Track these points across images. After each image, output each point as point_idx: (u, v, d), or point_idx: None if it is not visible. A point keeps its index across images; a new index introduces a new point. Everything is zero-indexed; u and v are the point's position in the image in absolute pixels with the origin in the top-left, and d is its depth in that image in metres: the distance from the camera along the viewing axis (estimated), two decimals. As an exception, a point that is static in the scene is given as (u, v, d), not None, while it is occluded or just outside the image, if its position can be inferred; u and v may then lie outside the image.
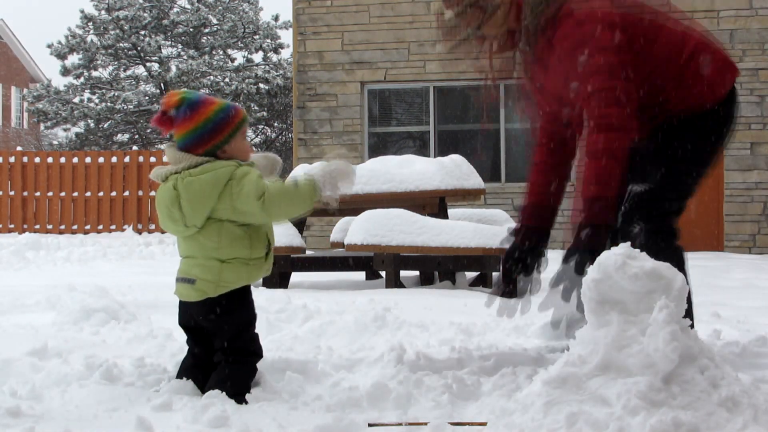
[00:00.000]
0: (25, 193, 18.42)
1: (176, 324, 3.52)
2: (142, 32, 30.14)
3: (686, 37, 3.66)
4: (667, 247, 3.57)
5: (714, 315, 5.38)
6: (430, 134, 14.34)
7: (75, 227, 18.19)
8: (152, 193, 17.77)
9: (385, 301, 5.74)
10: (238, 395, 3.25)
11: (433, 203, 7.93)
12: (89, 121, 30.03)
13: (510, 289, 3.84)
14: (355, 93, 14.31)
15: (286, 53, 30.98)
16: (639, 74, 3.55)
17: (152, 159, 18.18)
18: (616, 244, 3.42)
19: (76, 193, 18.30)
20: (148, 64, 30.91)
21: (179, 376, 3.41)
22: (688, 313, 2.83)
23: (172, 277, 3.47)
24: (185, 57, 30.56)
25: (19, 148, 21.52)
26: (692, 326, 2.89)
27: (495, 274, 7.75)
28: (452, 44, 3.71)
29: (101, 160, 18.33)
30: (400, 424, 2.97)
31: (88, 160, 18.37)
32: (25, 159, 18.56)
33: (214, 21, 31.39)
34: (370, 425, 2.97)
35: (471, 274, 7.97)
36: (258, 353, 3.43)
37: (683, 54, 3.61)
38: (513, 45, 3.70)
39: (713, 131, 3.69)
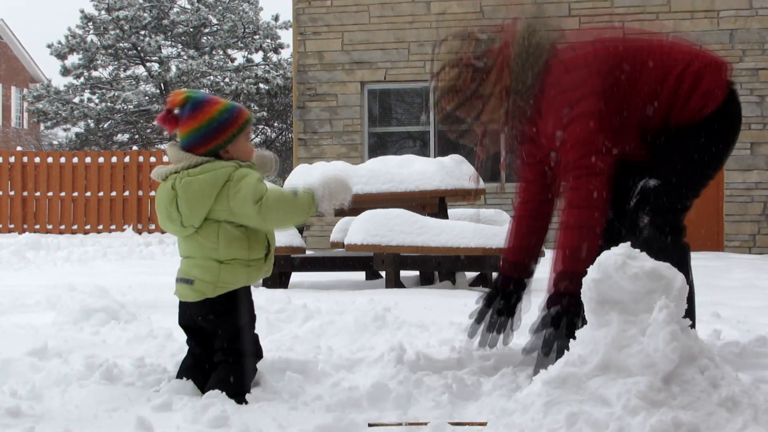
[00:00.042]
0: (25, 193, 18.42)
1: (176, 324, 3.52)
2: (142, 32, 30.14)
3: (670, 57, 3.70)
4: (672, 242, 3.59)
5: (714, 315, 5.38)
6: (430, 134, 14.34)
7: (75, 227, 18.18)
8: (152, 193, 17.76)
9: (385, 301, 5.74)
10: (238, 395, 3.25)
11: (433, 203, 7.93)
12: (89, 121, 30.04)
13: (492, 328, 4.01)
14: (355, 93, 14.32)
15: (286, 53, 31.02)
16: (631, 109, 3.64)
17: (152, 159, 18.18)
18: (621, 238, 3.49)
19: (76, 193, 18.30)
20: (148, 64, 30.91)
21: (179, 376, 3.41)
22: (690, 313, 2.84)
23: (172, 277, 3.47)
24: (185, 57, 30.56)
25: (19, 148, 21.52)
26: (693, 326, 2.89)
27: (495, 275, 7.75)
28: (456, 134, 3.80)
29: (101, 160, 18.33)
30: (400, 424, 2.97)
31: (88, 160, 18.37)
32: (25, 159, 18.56)
33: (214, 21, 31.39)
34: (370, 425, 2.97)
35: (471, 274, 7.97)
36: (258, 354, 3.43)
37: (672, 75, 3.66)
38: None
39: (720, 131, 3.71)
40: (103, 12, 30.27)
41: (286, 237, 7.41)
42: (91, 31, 30.21)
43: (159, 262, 11.17)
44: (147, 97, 30.11)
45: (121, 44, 29.94)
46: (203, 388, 3.32)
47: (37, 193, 18.42)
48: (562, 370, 2.76)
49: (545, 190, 3.93)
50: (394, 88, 14.48)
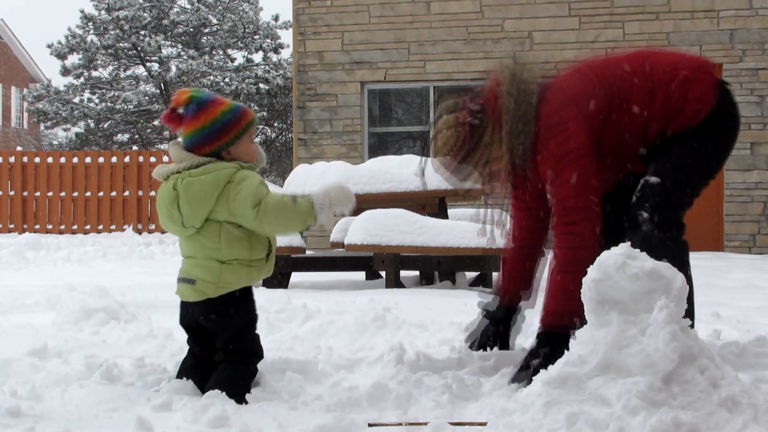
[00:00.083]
0: (25, 193, 18.42)
1: (176, 324, 3.52)
2: (142, 32, 30.13)
3: (654, 74, 3.72)
4: (671, 239, 3.60)
5: (714, 315, 5.38)
6: (430, 134, 14.34)
7: (75, 227, 18.18)
8: (152, 193, 17.76)
9: (385, 301, 5.74)
10: (238, 395, 3.25)
11: (433, 203, 7.93)
12: (89, 121, 30.03)
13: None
14: (355, 93, 14.31)
15: (286, 53, 31.00)
16: (628, 132, 3.68)
17: (152, 159, 18.17)
18: (622, 237, 3.51)
19: (76, 193, 18.29)
20: (148, 64, 30.91)
21: (179, 376, 3.41)
22: (689, 312, 2.84)
23: (172, 277, 3.47)
24: (185, 57, 30.55)
25: (19, 148, 21.51)
26: (692, 325, 2.89)
27: (495, 274, 7.76)
28: (461, 179, 3.86)
29: (101, 160, 18.33)
30: (400, 424, 2.97)
31: (88, 160, 18.37)
32: (25, 159, 18.56)
33: (214, 21, 31.39)
34: (370, 425, 2.97)
35: (471, 274, 7.97)
36: (258, 354, 3.43)
37: (660, 91, 3.69)
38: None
39: (718, 131, 3.72)
40: (103, 12, 30.26)
41: (286, 237, 7.41)
42: (91, 31, 30.20)
43: (159, 262, 11.17)
44: (147, 97, 30.11)
45: (121, 44, 29.92)
46: (203, 388, 3.32)
47: (37, 193, 18.42)
48: (562, 370, 2.76)
49: (539, 219, 3.97)
50: (394, 88, 14.47)
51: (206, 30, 31.52)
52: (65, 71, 30.16)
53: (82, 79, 30.50)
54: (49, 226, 18.20)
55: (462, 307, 5.67)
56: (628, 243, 2.93)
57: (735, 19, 13.19)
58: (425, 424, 2.93)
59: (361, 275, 8.44)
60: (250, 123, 3.41)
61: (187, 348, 3.53)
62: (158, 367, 3.61)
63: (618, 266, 2.79)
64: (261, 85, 28.87)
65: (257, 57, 31.33)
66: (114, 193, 18.20)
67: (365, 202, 7.63)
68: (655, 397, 2.61)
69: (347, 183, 3.50)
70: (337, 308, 5.51)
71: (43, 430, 2.86)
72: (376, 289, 7.12)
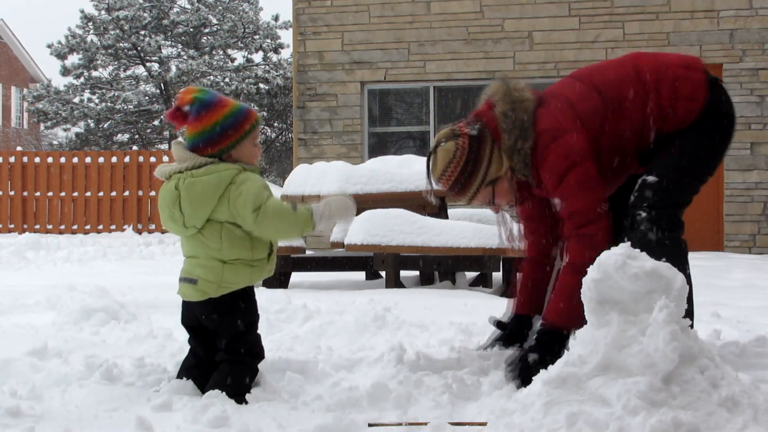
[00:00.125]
0: (25, 193, 18.42)
1: (176, 324, 3.52)
2: (142, 32, 30.12)
3: (641, 78, 3.73)
4: (669, 238, 3.61)
5: (714, 315, 5.38)
6: (430, 134, 14.33)
7: (75, 227, 18.18)
8: (152, 193, 17.76)
9: (385, 301, 5.74)
10: (238, 395, 3.25)
11: (433, 204, 7.93)
12: (89, 121, 30.02)
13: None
14: (355, 93, 14.31)
15: (286, 53, 31.01)
16: (625, 139, 3.69)
17: (152, 159, 18.17)
18: (622, 237, 3.51)
19: (76, 193, 18.29)
20: (148, 64, 30.91)
21: (180, 375, 3.41)
22: (689, 311, 2.84)
23: (172, 277, 3.48)
24: (185, 57, 30.55)
25: (19, 148, 21.51)
26: (692, 325, 2.89)
27: (495, 275, 7.76)
28: (466, 199, 3.84)
29: (101, 160, 18.32)
30: (400, 424, 2.97)
31: (88, 160, 18.36)
32: (25, 159, 18.56)
33: (214, 21, 31.38)
34: (370, 425, 2.97)
35: (471, 274, 7.97)
36: (260, 354, 3.43)
37: (650, 95, 3.69)
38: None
39: (713, 126, 3.73)
40: (103, 12, 30.26)
41: (286, 237, 7.41)
42: (91, 31, 30.20)
43: (159, 262, 11.17)
44: (147, 97, 30.10)
45: (121, 44, 29.92)
46: (203, 388, 3.32)
47: (37, 193, 18.42)
48: (562, 370, 2.76)
49: (549, 232, 3.94)
50: (394, 88, 14.47)
51: (206, 30, 31.52)
52: (65, 71, 30.15)
53: (82, 79, 30.50)
54: (49, 226, 18.20)
55: (462, 307, 5.67)
56: (628, 243, 2.94)
57: (735, 19, 13.19)
58: (425, 424, 2.93)
59: (361, 275, 8.44)
60: (253, 126, 3.40)
61: (187, 348, 3.53)
62: (158, 367, 3.61)
63: (618, 266, 2.79)
64: (261, 85, 28.87)
65: (257, 57, 31.34)
66: (114, 193, 18.19)
67: (365, 202, 7.63)
68: (655, 397, 2.61)
69: (349, 196, 3.48)
70: (337, 308, 5.51)
71: (43, 430, 2.86)
72: (376, 289, 7.11)
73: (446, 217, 7.96)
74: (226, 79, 28.73)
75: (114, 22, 29.43)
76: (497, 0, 13.78)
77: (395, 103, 14.83)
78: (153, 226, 17.83)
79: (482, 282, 7.75)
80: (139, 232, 17.84)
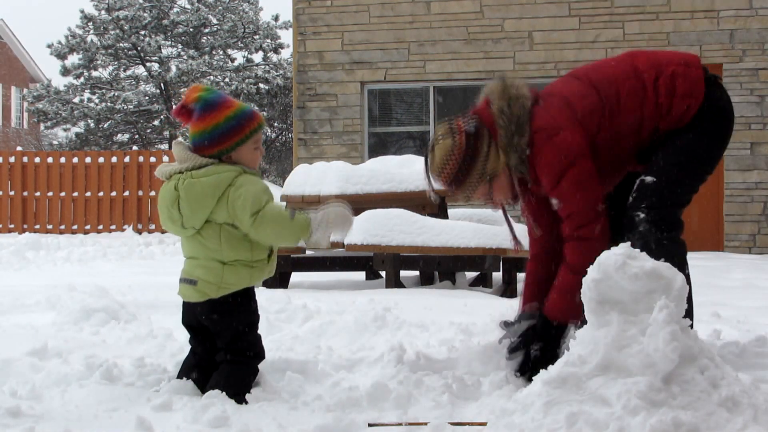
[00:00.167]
0: (25, 193, 18.41)
1: (176, 324, 3.52)
2: (142, 32, 30.12)
3: (639, 77, 3.72)
4: (668, 238, 3.60)
5: (714, 315, 5.38)
6: (430, 134, 14.33)
7: (75, 227, 18.17)
8: (152, 193, 17.76)
9: (385, 301, 5.74)
10: (239, 395, 3.25)
11: (433, 203, 7.93)
12: (89, 121, 30.02)
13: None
14: (355, 93, 14.31)
15: (286, 53, 31.00)
16: (623, 137, 3.69)
17: (152, 159, 18.16)
18: (622, 236, 3.50)
19: (76, 193, 18.28)
20: (148, 64, 30.91)
21: (180, 375, 3.41)
22: (688, 312, 2.84)
23: (172, 277, 3.48)
24: (185, 57, 30.55)
25: (19, 148, 21.51)
26: (691, 325, 2.89)
27: (495, 275, 7.76)
28: (464, 195, 3.83)
29: (101, 160, 18.32)
30: (400, 424, 2.97)
31: (88, 160, 18.36)
32: (25, 159, 18.55)
33: (214, 21, 31.38)
34: (370, 425, 2.97)
35: (471, 274, 7.97)
36: (260, 354, 3.43)
37: (648, 93, 3.69)
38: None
39: (710, 125, 3.72)
40: (103, 12, 30.26)
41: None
42: (91, 31, 30.19)
43: (159, 262, 11.17)
44: (147, 97, 30.10)
45: (121, 44, 29.92)
46: (203, 388, 3.32)
47: (37, 193, 18.41)
48: (562, 370, 2.76)
49: (551, 230, 3.91)
50: (394, 88, 14.48)
51: (206, 30, 31.51)
52: (65, 71, 30.15)
53: (82, 79, 30.49)
54: (49, 226, 18.19)
55: (462, 307, 5.67)
56: (628, 243, 2.93)
57: (735, 19, 13.19)
58: (425, 424, 2.93)
59: (361, 275, 8.44)
60: (255, 130, 3.39)
61: (187, 348, 3.53)
62: (158, 367, 3.61)
63: (618, 266, 2.79)
64: (261, 85, 28.87)
65: (257, 57, 31.34)
66: (114, 193, 18.19)
67: (365, 202, 7.63)
68: (655, 397, 2.61)
69: (348, 207, 3.47)
70: (337, 308, 5.51)
71: (43, 430, 2.87)
72: (376, 289, 7.11)
73: (446, 217, 7.96)
74: (226, 79, 28.74)
75: (114, 22, 29.43)
76: (497, 0, 13.78)
77: (395, 103, 14.83)
78: (153, 226, 17.82)
79: (482, 282, 7.75)
80: (139, 232, 17.84)
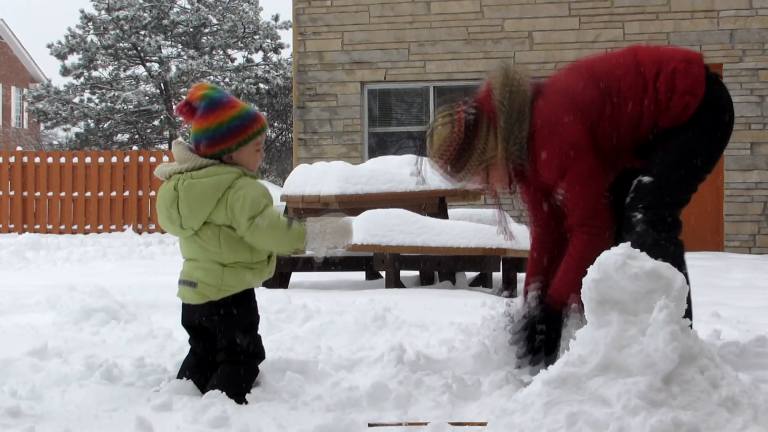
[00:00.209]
0: (25, 193, 18.41)
1: (176, 324, 3.52)
2: (142, 32, 30.12)
3: (640, 72, 3.72)
4: (665, 238, 3.60)
5: (714, 315, 5.38)
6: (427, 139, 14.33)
7: (75, 227, 18.17)
8: (152, 193, 17.76)
9: (385, 301, 5.74)
10: (238, 395, 3.25)
11: (433, 203, 7.93)
12: (89, 121, 30.02)
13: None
14: (355, 93, 14.31)
15: (286, 53, 31.00)
16: (622, 132, 3.69)
17: (152, 159, 18.17)
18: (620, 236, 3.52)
19: (76, 193, 18.28)
20: (148, 64, 30.91)
21: (180, 375, 3.41)
22: (687, 312, 2.84)
23: (172, 277, 3.47)
24: (185, 57, 30.55)
25: (19, 148, 21.50)
26: (691, 326, 2.89)
27: (495, 275, 7.76)
28: (461, 182, 3.85)
29: (101, 160, 18.32)
30: (400, 424, 2.97)
31: (88, 160, 18.36)
32: (25, 159, 18.55)
33: (214, 21, 31.38)
34: (370, 425, 2.97)
35: (471, 274, 7.97)
36: (260, 355, 3.43)
37: (648, 88, 3.69)
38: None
39: (709, 124, 3.71)
40: (103, 12, 30.26)
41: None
42: (91, 31, 30.20)
43: (159, 262, 11.17)
44: (147, 97, 30.10)
45: (121, 44, 29.92)
46: (203, 388, 3.32)
47: (37, 193, 18.41)
48: (562, 370, 2.76)
49: (552, 226, 3.91)
50: (394, 88, 14.48)
51: (206, 30, 31.52)
52: (65, 71, 30.15)
53: (82, 79, 30.50)
54: (49, 226, 18.19)
55: (462, 307, 5.67)
56: (628, 243, 2.93)
57: (735, 19, 13.19)
58: (425, 424, 2.93)
59: (361, 275, 8.44)
60: (258, 132, 3.38)
61: (187, 348, 3.53)
62: (158, 367, 3.61)
63: (618, 266, 2.79)
64: (261, 85, 28.87)
65: (257, 57, 31.34)
66: (114, 193, 18.19)
67: (365, 202, 7.63)
68: (655, 397, 2.61)
69: (349, 220, 3.46)
70: (337, 308, 5.51)
71: (43, 430, 2.87)
72: (376, 289, 7.11)
73: (446, 217, 7.96)
74: (226, 79, 28.74)
75: (114, 22, 29.43)
76: (497, 0, 13.78)
77: (395, 103, 14.83)
78: (153, 226, 17.82)
79: (482, 282, 7.74)
80: (139, 232, 17.84)
